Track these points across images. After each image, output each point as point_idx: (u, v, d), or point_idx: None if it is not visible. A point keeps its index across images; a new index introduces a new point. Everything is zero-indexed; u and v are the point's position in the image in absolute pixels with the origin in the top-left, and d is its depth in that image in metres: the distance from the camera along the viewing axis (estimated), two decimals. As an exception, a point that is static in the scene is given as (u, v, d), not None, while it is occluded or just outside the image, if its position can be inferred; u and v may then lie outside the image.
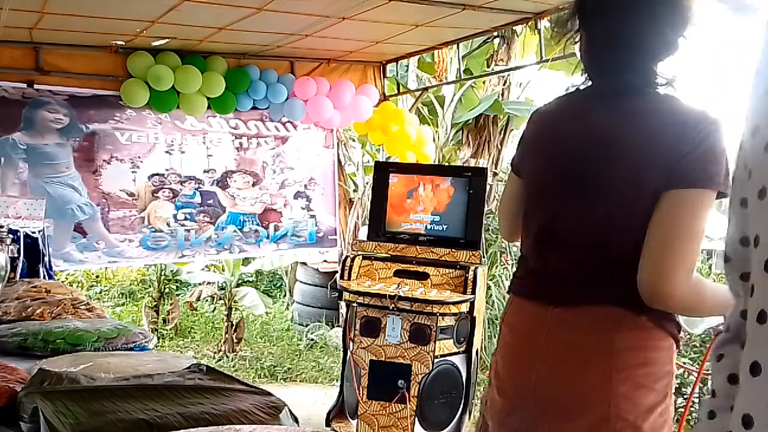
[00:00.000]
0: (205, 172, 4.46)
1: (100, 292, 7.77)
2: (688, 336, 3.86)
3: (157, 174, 4.28)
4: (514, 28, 4.65)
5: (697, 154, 1.16)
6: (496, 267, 5.63)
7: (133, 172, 4.20)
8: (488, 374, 1.42)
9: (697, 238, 1.16)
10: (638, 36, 1.21)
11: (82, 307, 2.27)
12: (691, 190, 1.16)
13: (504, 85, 5.86)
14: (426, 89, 5.59)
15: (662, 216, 1.17)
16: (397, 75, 5.51)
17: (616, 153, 1.22)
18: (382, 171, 3.58)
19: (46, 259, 3.19)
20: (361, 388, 3.13)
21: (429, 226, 3.42)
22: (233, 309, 5.97)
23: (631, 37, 1.21)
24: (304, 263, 6.52)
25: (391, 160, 4.99)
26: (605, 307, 1.23)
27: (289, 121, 4.64)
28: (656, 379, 1.22)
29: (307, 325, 6.22)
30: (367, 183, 5.86)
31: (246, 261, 6.25)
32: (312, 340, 5.93)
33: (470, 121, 5.78)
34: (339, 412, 3.48)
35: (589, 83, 1.30)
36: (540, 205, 1.36)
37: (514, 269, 1.45)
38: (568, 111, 1.35)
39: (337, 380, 4.23)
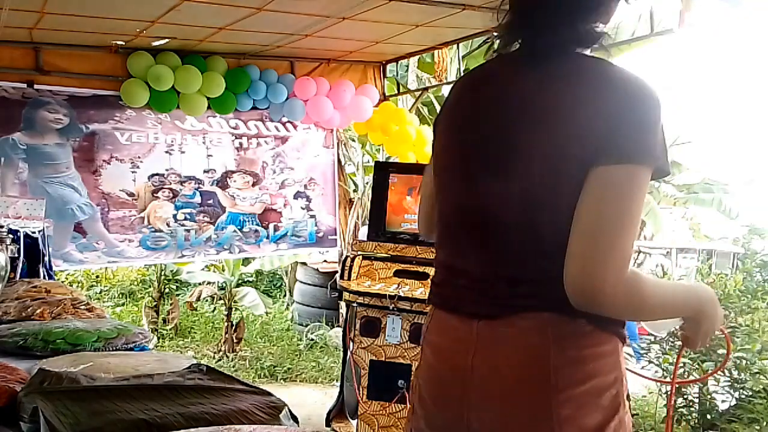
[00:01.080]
0: (205, 172, 4.46)
1: (100, 292, 7.77)
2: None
3: (157, 174, 4.27)
4: (514, 28, 4.65)
5: (631, 124, 0.98)
6: (496, 267, 5.63)
7: (133, 172, 4.20)
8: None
9: (631, 224, 0.98)
10: None
11: (82, 307, 2.26)
12: (624, 166, 0.98)
13: (504, 85, 5.87)
14: (426, 89, 5.60)
15: (590, 197, 0.98)
16: (397, 75, 5.51)
17: (534, 119, 1.04)
18: (382, 171, 3.58)
19: (46, 259, 3.19)
20: (361, 388, 3.13)
21: (429, 226, 3.42)
22: (233, 309, 5.97)
23: None
24: (304, 263, 6.53)
25: (391, 160, 4.99)
26: (535, 314, 1.04)
27: (289, 121, 4.64)
28: (601, 393, 1.04)
29: (307, 325, 6.22)
30: (367, 183, 5.86)
31: (246, 261, 6.25)
32: (312, 340, 5.94)
33: (470, 121, 5.79)
34: (339, 412, 3.49)
35: (515, 47, 1.12)
36: (451, 186, 1.17)
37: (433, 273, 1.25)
38: (487, 76, 1.17)
39: (337, 380, 4.23)
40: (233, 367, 5.28)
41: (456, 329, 1.12)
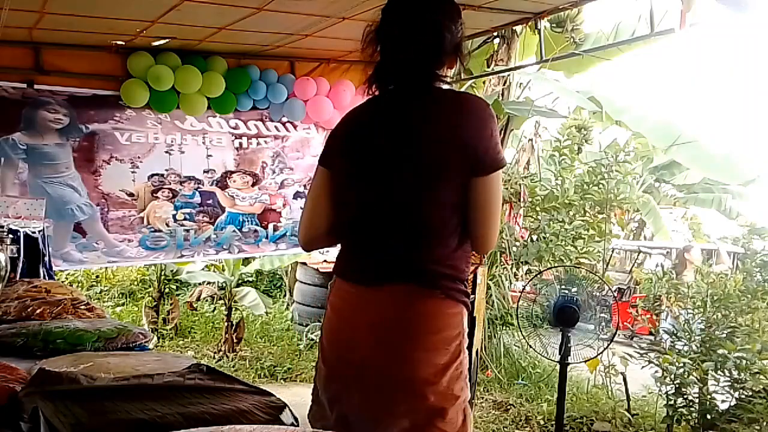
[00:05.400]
0: (204, 172, 4.46)
1: (100, 292, 7.78)
2: (689, 336, 3.86)
3: (156, 174, 4.27)
4: (514, 28, 4.66)
5: (491, 146, 1.44)
6: (496, 267, 5.64)
7: (132, 172, 4.19)
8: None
9: (499, 208, 1.51)
10: (423, 47, 1.50)
11: (82, 307, 2.26)
12: (493, 175, 1.46)
13: (504, 85, 5.87)
14: (426, 89, 5.59)
15: (480, 198, 1.46)
16: (397, 75, 5.49)
17: (418, 144, 1.46)
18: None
19: (46, 259, 3.19)
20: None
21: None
22: (233, 309, 5.98)
23: (416, 48, 1.51)
24: (304, 263, 6.53)
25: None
26: (403, 285, 1.45)
27: (289, 121, 4.64)
28: (448, 342, 1.45)
29: (307, 325, 6.22)
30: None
31: (246, 261, 6.25)
32: (312, 340, 5.93)
33: (470, 121, 5.77)
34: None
35: (391, 86, 1.56)
36: (354, 195, 1.56)
37: (338, 253, 1.64)
38: (374, 111, 1.60)
39: (337, 380, 4.22)
40: (233, 367, 5.28)
41: (351, 292, 1.56)
